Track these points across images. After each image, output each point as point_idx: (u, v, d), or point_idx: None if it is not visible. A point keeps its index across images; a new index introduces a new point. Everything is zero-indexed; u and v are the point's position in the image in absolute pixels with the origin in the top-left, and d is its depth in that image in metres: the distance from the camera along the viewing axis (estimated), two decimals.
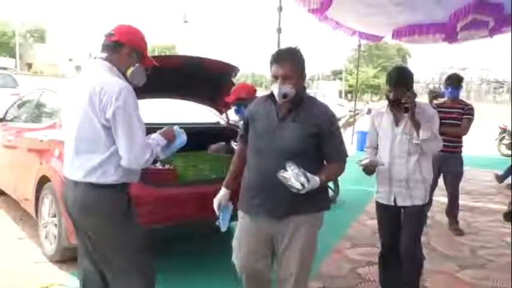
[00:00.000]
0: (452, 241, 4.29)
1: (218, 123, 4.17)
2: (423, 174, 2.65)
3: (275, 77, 2.02)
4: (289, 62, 2.03)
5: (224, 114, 4.16)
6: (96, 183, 1.90)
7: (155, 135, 2.07)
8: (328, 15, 7.12)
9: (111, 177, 1.91)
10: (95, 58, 2.09)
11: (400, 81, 2.64)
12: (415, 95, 2.59)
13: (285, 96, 2.00)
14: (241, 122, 2.43)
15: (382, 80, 51.74)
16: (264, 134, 2.08)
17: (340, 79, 53.41)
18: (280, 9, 6.11)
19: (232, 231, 2.36)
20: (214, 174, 3.58)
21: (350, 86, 46.49)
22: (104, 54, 2.01)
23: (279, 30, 6.13)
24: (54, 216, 3.31)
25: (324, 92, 31.12)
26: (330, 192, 5.66)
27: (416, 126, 2.55)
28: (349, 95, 45.51)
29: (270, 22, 6.53)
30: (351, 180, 5.91)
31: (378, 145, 2.80)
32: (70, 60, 50.55)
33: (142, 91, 2.19)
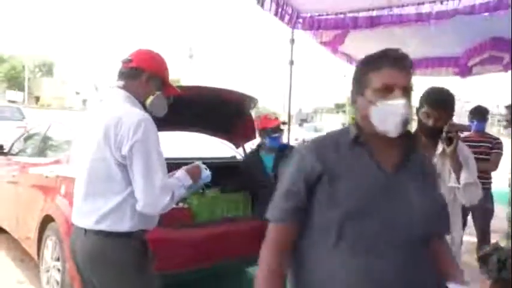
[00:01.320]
0: (486, 286, 3.95)
1: (234, 157, 3.94)
2: (452, 234, 1.95)
3: (386, 89, 1.20)
4: (410, 70, 1.28)
5: (241, 148, 3.94)
6: (108, 231, 1.65)
7: (180, 173, 1.81)
8: (340, 49, 7.09)
9: (126, 224, 1.65)
10: (110, 87, 1.89)
11: (449, 103, 2.03)
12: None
13: (406, 123, 1.19)
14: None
15: None
16: (365, 202, 1.15)
17: (344, 112, 53.67)
18: (292, 41, 6.02)
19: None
20: (230, 214, 3.34)
21: (353, 118, 46.60)
22: (121, 83, 1.80)
23: (291, 63, 6.04)
24: (58, 260, 3.03)
25: (328, 124, 31.09)
26: None
27: (458, 164, 1.98)
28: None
29: (282, 54, 6.46)
30: None
31: None
32: (77, 93, 51.27)
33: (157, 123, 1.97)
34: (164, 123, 3.21)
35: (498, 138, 4.28)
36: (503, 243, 2.36)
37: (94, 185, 1.67)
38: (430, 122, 2.02)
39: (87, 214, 1.68)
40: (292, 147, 3.37)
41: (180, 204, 3.19)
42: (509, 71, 6.99)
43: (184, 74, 38.44)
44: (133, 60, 1.81)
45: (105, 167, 1.64)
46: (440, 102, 2.02)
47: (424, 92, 2.10)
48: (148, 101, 1.80)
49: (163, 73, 1.87)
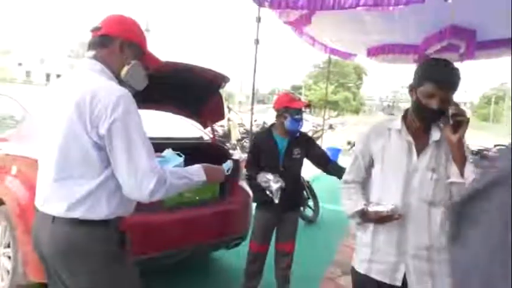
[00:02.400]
0: None
1: (201, 138, 3.77)
2: None
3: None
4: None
5: (209, 129, 3.76)
6: (82, 218, 1.46)
7: (195, 167, 1.65)
8: (305, 30, 7.03)
9: (102, 211, 1.47)
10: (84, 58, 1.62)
11: (454, 83, 1.64)
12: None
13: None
14: None
15: (338, 96, 53.17)
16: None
17: (300, 94, 54.31)
18: (258, 19, 5.86)
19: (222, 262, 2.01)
20: (198, 197, 3.20)
21: (309, 101, 47.40)
22: (92, 53, 1.58)
23: (257, 42, 5.88)
24: (8, 246, 2.77)
25: None
26: (310, 212, 5.45)
27: (464, 156, 1.64)
28: (307, 110, 46.38)
29: (248, 33, 6.28)
30: (328, 199, 5.69)
31: (365, 179, 1.90)
32: (20, 64, 47.94)
33: None
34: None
35: None
36: None
37: (65, 167, 1.46)
38: (434, 104, 1.62)
39: (57, 200, 1.48)
40: (305, 134, 3.14)
41: None
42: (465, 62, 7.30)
43: None
44: (103, 26, 1.60)
45: (79, 148, 1.44)
46: (447, 79, 1.63)
47: (423, 66, 1.71)
48: (124, 71, 1.59)
49: (138, 39, 1.65)
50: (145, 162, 1.44)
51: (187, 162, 2.33)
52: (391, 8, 5.22)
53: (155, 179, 1.44)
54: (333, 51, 8.61)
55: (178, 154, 1.95)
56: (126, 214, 1.60)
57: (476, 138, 15.92)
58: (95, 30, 1.60)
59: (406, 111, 1.81)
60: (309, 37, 7.55)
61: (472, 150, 10.90)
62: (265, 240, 2.96)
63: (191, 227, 2.98)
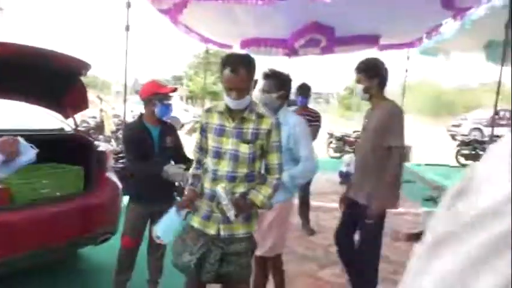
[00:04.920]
0: (308, 241, 4.55)
1: (62, 129, 3.48)
2: None
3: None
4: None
5: (72, 120, 3.50)
6: None
7: None
8: (179, 19, 6.95)
9: None
10: None
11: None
12: None
13: None
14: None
15: (219, 87, 53.88)
16: None
17: (181, 84, 53.56)
18: (128, 5, 5.62)
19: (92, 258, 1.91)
20: (59, 192, 2.99)
21: (191, 91, 47.01)
22: None
23: (127, 28, 5.65)
24: None
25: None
26: None
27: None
28: (189, 101, 45.96)
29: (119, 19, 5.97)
30: None
31: None
32: None
33: None
34: None
35: (318, 112, 4.88)
36: None
37: None
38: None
39: None
40: (170, 123, 3.05)
41: None
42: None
43: None
44: None
45: None
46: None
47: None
48: None
49: None
50: None
51: (45, 154, 2.16)
52: (260, 2, 5.49)
53: None
54: (210, 41, 8.70)
55: (31, 147, 1.81)
56: None
57: (340, 125, 17.75)
58: None
59: None
60: (184, 26, 7.49)
61: (336, 136, 12.17)
62: (137, 234, 2.87)
63: (50, 224, 2.77)
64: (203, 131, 2.15)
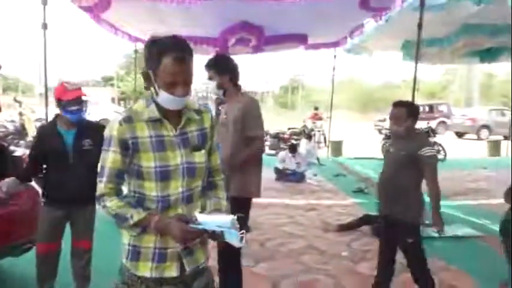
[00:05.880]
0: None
1: None
2: None
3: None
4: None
5: None
6: None
7: None
8: (103, 17, 6.67)
9: None
10: None
11: None
12: None
13: None
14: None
15: None
16: None
17: (112, 85, 51.47)
18: (44, 2, 5.28)
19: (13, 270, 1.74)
20: None
21: (122, 93, 45.42)
22: None
23: (45, 26, 5.30)
24: None
25: (97, 98, 29.17)
26: None
27: None
28: (121, 102, 44.33)
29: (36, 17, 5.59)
30: None
31: None
32: None
33: None
34: None
35: None
36: None
37: None
38: None
39: None
40: (95, 122, 2.89)
41: None
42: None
43: None
44: None
45: None
46: None
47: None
48: None
49: None
50: None
51: None
52: (186, 1, 5.44)
53: None
54: (139, 40, 8.45)
55: None
56: None
57: (275, 122, 18.09)
58: None
59: None
60: (109, 25, 7.20)
61: (271, 134, 12.41)
62: (52, 238, 2.70)
63: None
64: (125, 149, 1.53)
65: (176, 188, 1.57)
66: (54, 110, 3.04)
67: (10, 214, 2.87)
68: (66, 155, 2.65)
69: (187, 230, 1.47)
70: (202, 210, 1.64)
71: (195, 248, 1.60)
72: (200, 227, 1.44)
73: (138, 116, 1.56)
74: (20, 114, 8.47)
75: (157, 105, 1.55)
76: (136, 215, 1.52)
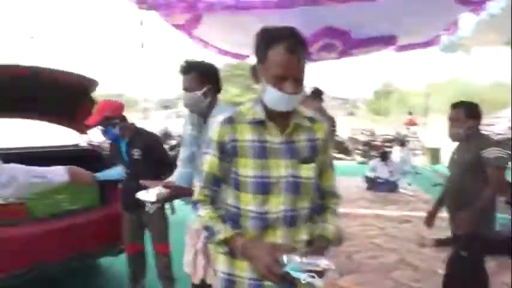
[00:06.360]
0: (332, 248, 4.44)
1: (77, 145, 3.60)
2: None
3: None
4: None
5: (86, 136, 3.61)
6: None
7: (60, 168, 1.66)
8: (195, 34, 7.05)
9: None
10: None
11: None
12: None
13: None
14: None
15: (244, 98, 54.17)
16: None
17: None
18: (141, 23, 5.75)
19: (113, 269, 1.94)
20: (74, 205, 3.08)
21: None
22: None
23: (142, 45, 5.78)
24: None
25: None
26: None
27: None
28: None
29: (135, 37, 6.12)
30: None
31: None
32: None
33: None
34: None
35: (332, 117, 4.80)
36: None
37: None
38: None
39: None
40: (147, 133, 3.04)
41: (10, 200, 2.82)
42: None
43: (24, 55, 33.52)
44: None
45: None
46: None
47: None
48: None
49: None
50: None
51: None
52: (267, 11, 5.52)
53: None
54: (227, 53, 8.77)
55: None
56: None
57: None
58: None
59: None
60: (200, 40, 7.59)
61: (362, 141, 11.96)
62: (134, 240, 2.95)
63: (67, 236, 2.86)
64: (223, 153, 1.38)
65: (277, 205, 1.34)
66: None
67: (111, 217, 3.14)
68: (122, 164, 2.83)
69: (272, 269, 1.22)
70: (309, 238, 1.40)
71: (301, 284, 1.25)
72: (285, 269, 1.21)
73: (242, 117, 1.39)
74: None
75: (265, 107, 1.36)
76: (224, 232, 1.34)
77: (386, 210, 6.36)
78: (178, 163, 2.24)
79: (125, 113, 2.88)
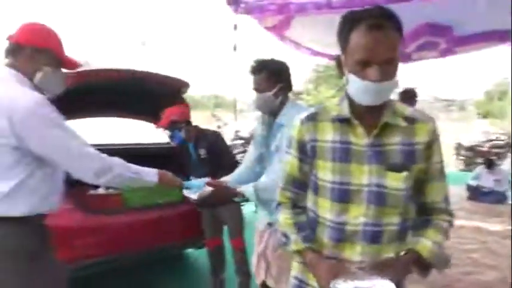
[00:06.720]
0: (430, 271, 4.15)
1: (169, 143, 3.89)
2: None
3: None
4: None
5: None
6: (2, 216, 1.54)
7: (152, 170, 1.90)
8: (286, 35, 7.11)
9: (20, 208, 1.55)
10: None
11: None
12: None
13: None
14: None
15: (336, 100, 52.62)
16: None
17: (301, 99, 54.41)
18: (235, 27, 5.97)
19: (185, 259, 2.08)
20: (163, 199, 3.32)
21: (310, 106, 47.57)
22: (7, 60, 1.69)
23: (235, 48, 6.01)
24: None
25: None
26: None
27: None
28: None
29: (228, 40, 6.40)
30: None
31: None
32: None
33: (74, 109, 1.92)
34: (92, 109, 3.14)
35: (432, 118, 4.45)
36: None
37: None
38: None
39: None
40: (209, 131, 3.26)
41: (110, 190, 3.15)
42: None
43: (136, 61, 37.12)
44: (15, 35, 1.69)
45: None
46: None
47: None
48: (37, 78, 1.68)
49: (50, 46, 1.72)
50: (77, 146, 1.60)
51: (156, 166, 2.46)
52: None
53: (97, 163, 1.62)
54: (320, 54, 8.68)
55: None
56: (49, 211, 1.68)
57: (477, 134, 15.87)
58: (9, 38, 1.70)
59: None
60: (291, 42, 7.62)
61: (466, 146, 10.93)
62: (211, 235, 3.11)
63: (156, 227, 3.10)
64: (303, 154, 1.28)
65: (357, 216, 1.20)
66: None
67: (193, 212, 3.32)
68: (189, 165, 3.15)
69: None
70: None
71: None
72: None
73: (325, 114, 1.27)
74: (218, 127, 10.05)
75: (351, 102, 1.21)
76: (295, 244, 1.28)
77: (488, 223, 5.73)
78: (244, 163, 2.28)
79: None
